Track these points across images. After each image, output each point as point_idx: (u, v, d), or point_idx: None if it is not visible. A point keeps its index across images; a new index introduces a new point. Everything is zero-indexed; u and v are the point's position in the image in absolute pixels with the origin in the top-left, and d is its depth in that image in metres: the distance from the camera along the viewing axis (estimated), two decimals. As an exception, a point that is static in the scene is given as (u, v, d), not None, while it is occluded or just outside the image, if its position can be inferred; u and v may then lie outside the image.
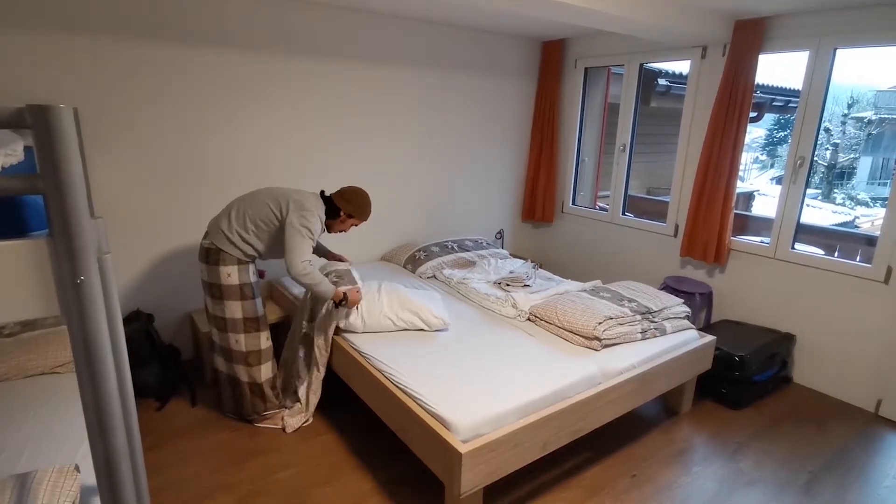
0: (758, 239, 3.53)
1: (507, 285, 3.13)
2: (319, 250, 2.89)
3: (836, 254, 3.60)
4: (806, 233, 3.94)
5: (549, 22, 3.65)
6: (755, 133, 10.80)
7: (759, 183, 10.08)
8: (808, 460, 2.50)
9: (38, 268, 0.64)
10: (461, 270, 3.50)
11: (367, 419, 2.62)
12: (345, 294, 2.49)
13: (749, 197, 7.50)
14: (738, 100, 3.22)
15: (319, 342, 2.60)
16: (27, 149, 1.76)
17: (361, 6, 3.29)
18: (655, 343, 2.59)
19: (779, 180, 7.20)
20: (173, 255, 3.10)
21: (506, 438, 1.89)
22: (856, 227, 7.53)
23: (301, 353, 2.70)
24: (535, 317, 2.75)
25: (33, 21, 2.48)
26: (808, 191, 3.19)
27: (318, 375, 2.63)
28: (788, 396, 3.11)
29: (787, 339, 3.19)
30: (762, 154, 11.21)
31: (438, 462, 1.90)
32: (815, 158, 3.19)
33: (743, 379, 2.87)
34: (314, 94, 3.37)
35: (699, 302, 3.49)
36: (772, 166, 10.78)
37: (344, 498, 2.15)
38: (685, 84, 3.70)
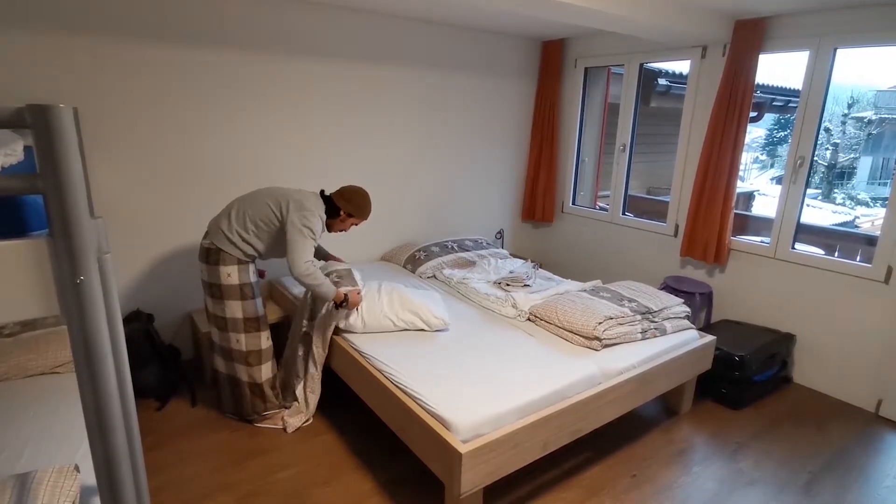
0: (758, 239, 3.53)
1: (507, 285, 3.13)
2: (318, 252, 2.89)
3: (836, 254, 3.60)
4: (806, 233, 3.94)
5: (549, 22, 3.65)
6: (755, 133, 10.80)
7: (759, 183, 10.08)
8: (808, 460, 2.50)
9: (38, 268, 0.64)
10: (461, 270, 3.50)
11: (367, 419, 2.61)
12: (345, 295, 2.49)
13: (749, 197, 7.50)
14: (738, 100, 3.22)
15: (318, 341, 2.60)
16: (27, 148, 1.76)
17: (361, 6, 3.29)
18: (655, 343, 2.59)
19: (779, 180, 7.20)
20: (173, 255, 3.10)
21: (506, 438, 1.89)
22: (856, 226, 7.53)
23: (300, 353, 2.70)
24: (535, 317, 2.75)
25: (33, 21, 2.48)
26: (809, 191, 3.19)
27: (316, 374, 2.63)
28: (788, 396, 3.11)
29: (787, 339, 3.19)
30: (762, 154, 11.21)
31: (438, 462, 1.90)
32: (816, 158, 3.19)
33: (743, 379, 2.87)
34: (314, 94, 3.37)
35: (699, 302, 3.49)
36: (772, 166, 10.78)
37: (344, 498, 2.15)
38: (685, 84, 3.70)
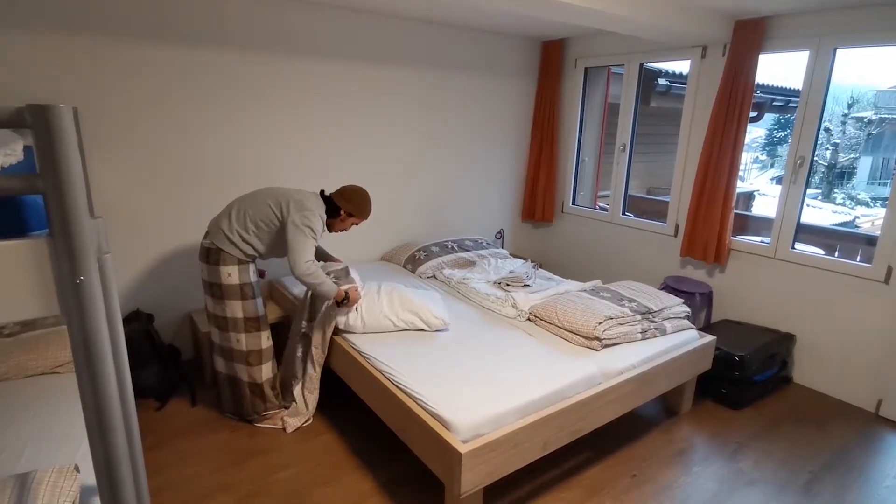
0: (758, 239, 3.53)
1: (507, 285, 3.12)
2: (318, 252, 2.89)
3: (836, 254, 3.60)
4: (806, 233, 3.94)
5: (549, 22, 3.65)
6: (755, 133, 10.80)
7: (759, 183, 10.08)
8: (808, 460, 2.50)
9: (37, 268, 0.64)
10: (461, 270, 3.50)
11: (367, 419, 2.61)
12: (346, 293, 2.50)
13: (749, 197, 7.50)
14: (738, 100, 3.22)
15: (317, 341, 2.60)
16: (27, 148, 1.76)
17: (361, 6, 3.29)
18: (655, 343, 2.59)
19: (779, 180, 7.20)
20: (173, 255, 3.10)
21: (506, 438, 1.89)
22: (856, 226, 7.53)
23: (299, 353, 2.70)
24: (535, 317, 2.75)
25: (33, 21, 2.48)
26: (809, 191, 3.19)
27: (314, 375, 2.63)
28: (788, 396, 3.11)
29: (787, 339, 3.19)
30: (762, 154, 11.21)
31: (438, 462, 1.90)
32: (816, 158, 3.19)
33: (743, 379, 2.87)
34: (314, 94, 3.37)
35: (699, 302, 3.49)
36: (772, 166, 10.78)
37: (344, 498, 2.15)
38: (685, 84, 3.70)
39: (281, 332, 3.03)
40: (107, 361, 0.69)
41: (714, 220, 3.42)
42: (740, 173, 3.46)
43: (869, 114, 10.03)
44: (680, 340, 2.66)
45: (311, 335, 2.66)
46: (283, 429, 2.57)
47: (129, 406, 0.78)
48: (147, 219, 2.97)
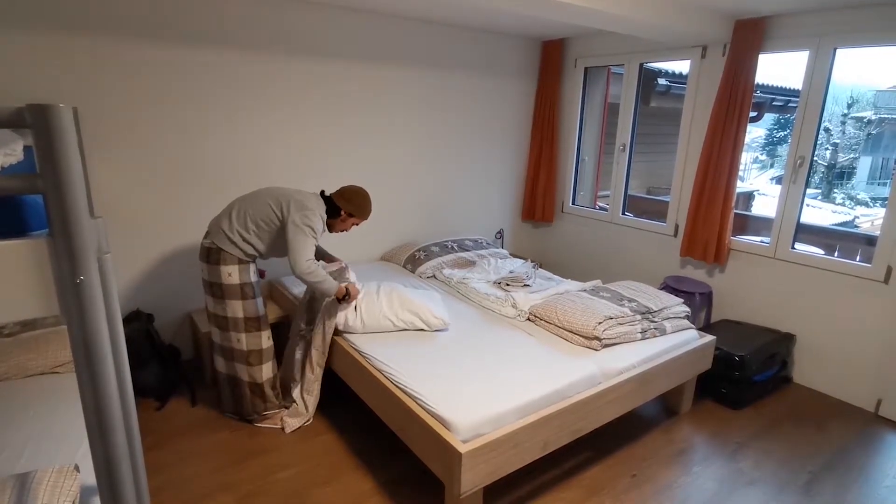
0: (758, 239, 3.53)
1: (507, 285, 3.13)
2: (318, 253, 2.89)
3: (836, 254, 3.60)
4: (806, 232, 3.94)
5: (549, 22, 3.65)
6: (755, 133, 10.80)
7: (759, 183, 10.08)
8: (808, 460, 2.50)
9: (37, 267, 0.64)
10: (461, 270, 3.50)
11: (367, 419, 2.62)
12: (347, 289, 2.50)
13: (749, 197, 7.50)
14: (738, 99, 3.22)
15: (317, 343, 2.59)
16: (27, 148, 1.76)
17: (361, 6, 3.29)
18: (655, 343, 2.59)
19: (779, 180, 7.20)
20: (173, 255, 3.10)
21: (506, 438, 1.89)
22: (856, 226, 7.53)
23: (298, 356, 2.70)
24: (535, 316, 2.75)
25: (33, 21, 2.48)
26: (808, 190, 3.19)
27: (312, 377, 2.62)
28: (788, 396, 3.11)
29: (787, 339, 3.19)
30: (762, 154, 11.21)
31: (438, 462, 1.90)
32: (815, 158, 3.19)
33: (743, 379, 2.87)
34: (314, 94, 3.37)
35: (699, 302, 3.49)
36: (772, 166, 10.78)
37: (344, 498, 2.15)
38: (685, 84, 3.70)
39: (281, 332, 3.03)
40: (107, 361, 0.69)
41: (714, 219, 3.42)
42: (740, 173, 3.46)
43: (869, 114, 10.03)
44: (680, 340, 2.66)
45: (308, 337, 2.67)
46: (283, 429, 2.57)
47: (129, 406, 0.78)
48: (147, 219, 2.97)
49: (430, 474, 2.17)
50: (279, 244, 2.46)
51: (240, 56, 3.04)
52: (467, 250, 3.79)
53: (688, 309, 2.86)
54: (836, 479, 2.37)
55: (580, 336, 2.50)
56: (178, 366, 2.96)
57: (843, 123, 10.22)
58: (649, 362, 2.46)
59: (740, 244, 3.47)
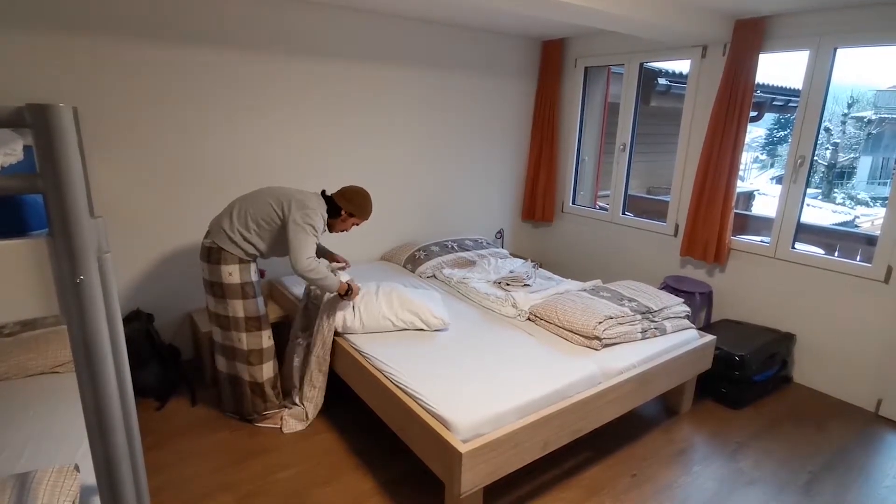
0: (758, 238, 3.53)
1: (507, 285, 3.13)
2: (323, 252, 2.89)
3: (836, 253, 3.60)
4: (806, 232, 3.94)
5: (550, 21, 3.65)
6: (755, 132, 10.80)
7: (759, 182, 10.08)
8: (808, 460, 2.50)
9: (37, 267, 0.64)
10: (461, 270, 3.50)
11: (367, 419, 2.62)
12: (349, 285, 2.50)
13: (749, 196, 7.50)
14: (738, 99, 3.22)
15: (317, 349, 2.58)
16: (27, 148, 1.76)
17: (361, 6, 3.29)
18: (655, 343, 2.59)
19: (779, 180, 7.20)
20: (173, 255, 3.10)
21: (506, 438, 1.89)
22: (856, 226, 7.53)
23: (296, 362, 2.69)
24: (535, 316, 2.75)
25: (33, 21, 2.48)
26: (809, 190, 3.19)
27: (313, 387, 2.61)
28: (788, 396, 3.11)
29: (787, 339, 3.19)
30: (762, 153, 11.21)
31: (438, 462, 1.90)
32: (816, 158, 3.19)
33: (743, 378, 2.87)
34: (314, 94, 3.37)
35: (699, 301, 3.49)
36: (772, 166, 10.78)
37: (344, 498, 2.15)
38: (685, 83, 3.70)
39: (281, 331, 3.03)
40: (107, 361, 0.69)
41: (714, 219, 3.42)
42: (740, 173, 3.46)
43: (869, 113, 10.03)
44: (680, 340, 2.66)
45: (305, 344, 2.67)
46: (280, 428, 2.57)
47: (129, 406, 0.78)
48: (147, 219, 2.97)
49: (430, 474, 2.17)
50: (280, 244, 2.46)
51: (240, 56, 3.04)
52: (467, 250, 3.79)
53: (688, 309, 2.86)
54: (836, 479, 2.37)
55: (580, 336, 2.50)
56: (178, 366, 2.96)
57: (844, 123, 10.22)
58: (649, 362, 2.46)
59: (740, 244, 3.47)
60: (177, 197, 3.03)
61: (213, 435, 2.53)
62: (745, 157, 8.97)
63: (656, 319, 2.70)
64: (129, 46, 2.72)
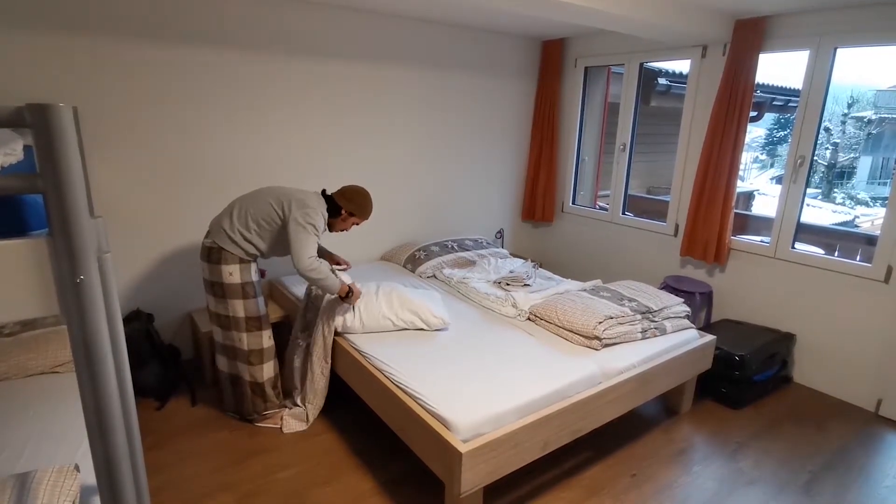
0: (758, 238, 3.53)
1: (507, 285, 3.13)
2: (321, 253, 2.89)
3: (836, 253, 3.60)
4: (806, 232, 3.94)
5: (550, 21, 3.65)
6: (755, 132, 10.80)
7: (759, 182, 10.08)
8: (808, 460, 2.50)
9: (37, 267, 0.64)
10: (461, 270, 3.50)
11: (367, 419, 2.62)
12: (350, 287, 2.49)
13: (749, 196, 7.50)
14: (738, 99, 3.22)
15: (318, 351, 2.58)
16: (27, 148, 1.76)
17: (361, 6, 3.29)
18: (655, 342, 2.59)
19: (779, 180, 7.20)
20: (173, 255, 3.10)
21: (506, 438, 1.89)
22: (856, 226, 7.53)
23: (297, 363, 2.69)
24: (535, 316, 2.75)
25: (33, 21, 2.48)
26: (809, 190, 3.19)
27: (314, 388, 2.61)
28: (788, 396, 3.11)
29: (787, 339, 3.19)
30: (762, 153, 11.20)
31: (438, 462, 1.90)
32: (816, 158, 3.19)
33: (743, 378, 2.87)
34: (314, 94, 3.37)
35: (699, 301, 3.49)
36: (772, 166, 10.77)
37: (344, 498, 2.15)
38: (685, 83, 3.70)
39: (282, 332, 3.03)
40: (107, 361, 0.69)
41: (714, 219, 3.42)
42: (740, 173, 3.46)
43: (869, 113, 10.03)
44: (680, 340, 2.66)
45: (305, 345, 2.67)
46: (280, 429, 2.57)
47: (129, 406, 0.78)
48: (147, 219, 2.97)
49: (430, 474, 2.17)
50: (280, 243, 2.46)
51: (240, 56, 3.04)
52: (467, 250, 3.79)
53: (688, 308, 2.86)
54: (836, 479, 2.37)
55: (580, 336, 2.50)
56: (178, 366, 2.96)
57: (844, 123, 10.21)
58: (649, 362, 2.46)
59: (740, 244, 3.47)
60: (177, 197, 3.03)
61: (213, 435, 2.53)
62: (745, 157, 8.97)
63: (656, 319, 2.70)
64: (129, 46, 2.72)
